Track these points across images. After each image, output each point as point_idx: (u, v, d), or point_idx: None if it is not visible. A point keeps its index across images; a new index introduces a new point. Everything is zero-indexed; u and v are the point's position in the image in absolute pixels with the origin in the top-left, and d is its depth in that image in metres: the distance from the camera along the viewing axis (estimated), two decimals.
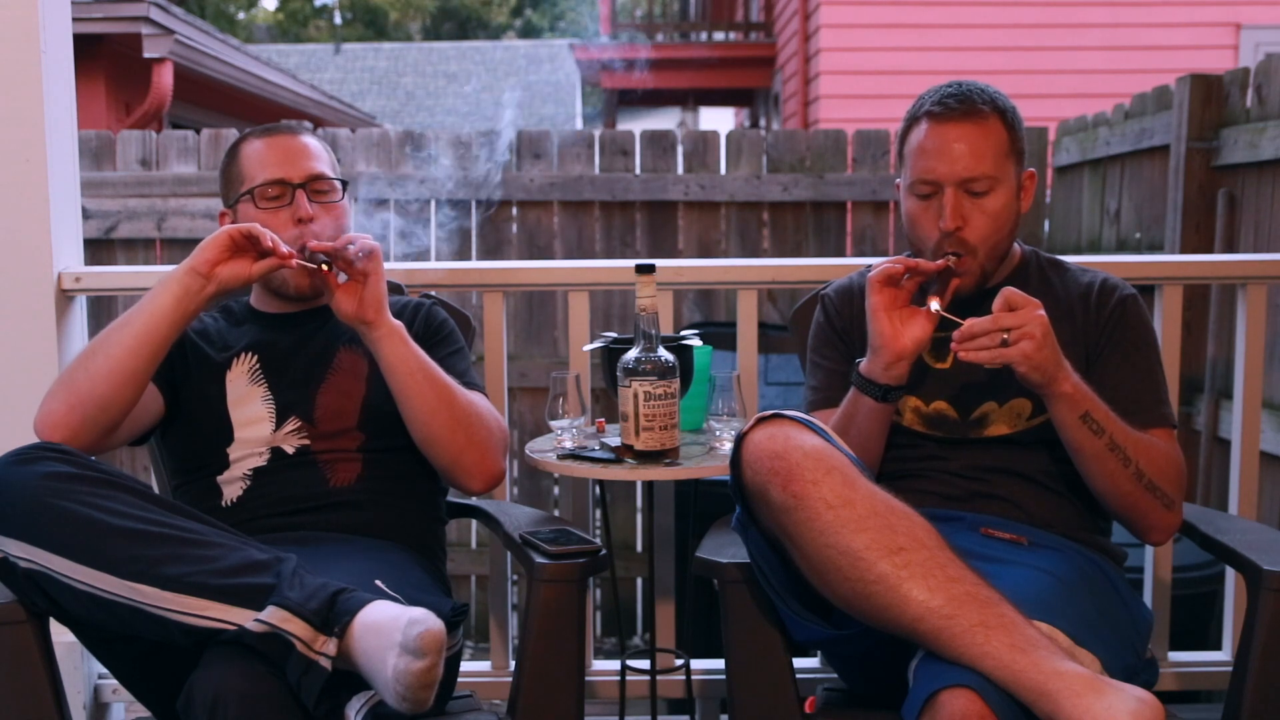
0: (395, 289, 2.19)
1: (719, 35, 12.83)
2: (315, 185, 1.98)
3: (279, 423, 1.91)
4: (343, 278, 1.84)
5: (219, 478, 1.91)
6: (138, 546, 1.50)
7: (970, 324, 1.66)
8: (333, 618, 1.47)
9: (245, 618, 1.46)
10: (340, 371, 1.96)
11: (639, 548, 4.25)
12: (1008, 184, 1.82)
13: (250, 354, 1.97)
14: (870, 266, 1.83)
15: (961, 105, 1.80)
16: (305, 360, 1.97)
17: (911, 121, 1.86)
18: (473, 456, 1.88)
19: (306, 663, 1.45)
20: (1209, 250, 3.71)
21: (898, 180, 1.91)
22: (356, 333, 1.94)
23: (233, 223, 1.96)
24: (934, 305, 1.75)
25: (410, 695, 1.42)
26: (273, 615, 1.45)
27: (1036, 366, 1.65)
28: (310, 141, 2.01)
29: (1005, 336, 1.63)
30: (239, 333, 2.02)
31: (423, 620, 1.44)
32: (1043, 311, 1.66)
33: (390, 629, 1.44)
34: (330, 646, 1.46)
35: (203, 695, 1.43)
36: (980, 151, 1.79)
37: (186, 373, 1.94)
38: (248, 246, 1.78)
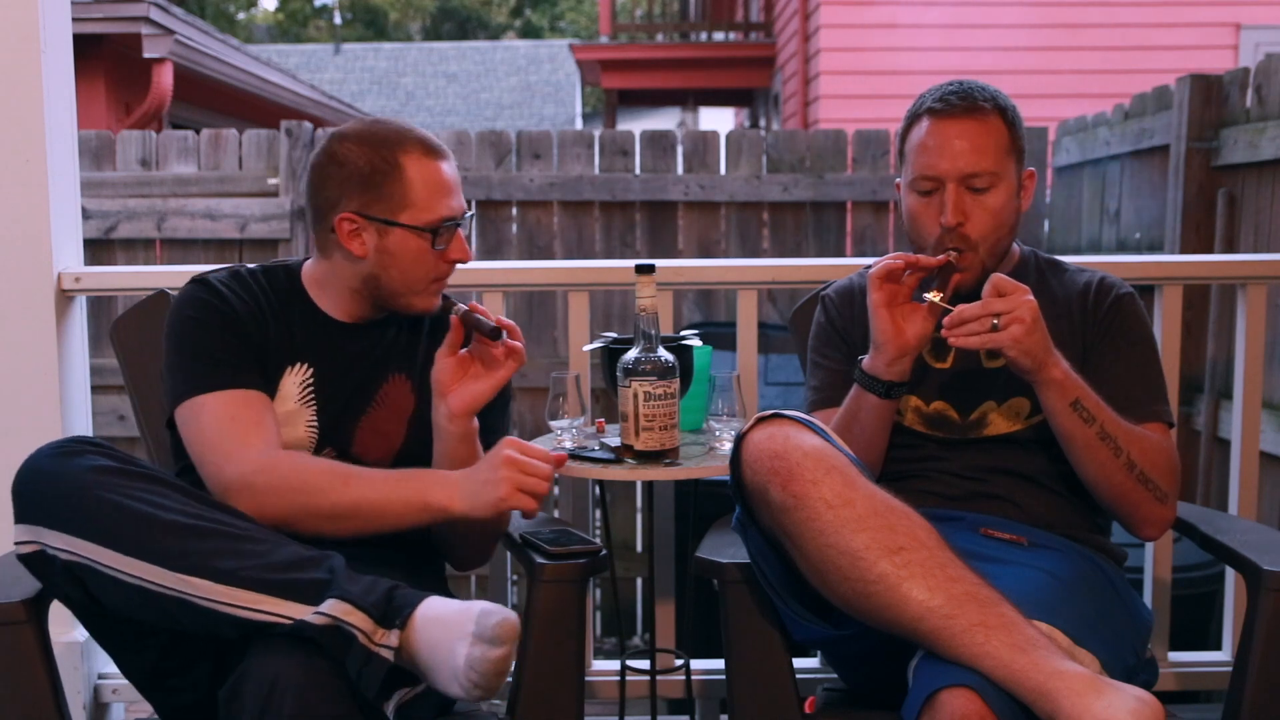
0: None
1: (719, 35, 12.83)
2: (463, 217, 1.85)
3: (317, 449, 1.82)
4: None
5: None
6: (190, 541, 1.49)
7: (960, 310, 1.66)
8: (392, 611, 1.48)
9: (301, 611, 1.46)
10: (384, 405, 1.84)
11: (639, 548, 4.25)
12: (1008, 181, 1.83)
13: (306, 365, 1.82)
14: (870, 266, 1.83)
15: (963, 102, 1.81)
16: (354, 381, 1.84)
17: (913, 119, 1.86)
18: (487, 554, 1.95)
19: (368, 655, 1.45)
20: (1209, 250, 3.71)
21: (898, 179, 1.92)
22: (407, 362, 1.87)
23: (354, 233, 1.77)
24: (934, 296, 1.75)
25: (484, 683, 1.45)
26: (335, 608, 1.46)
27: (1026, 351, 1.66)
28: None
29: (995, 321, 1.64)
30: (298, 336, 1.83)
31: (496, 611, 1.47)
32: (1031, 297, 1.67)
33: (459, 620, 1.47)
34: (393, 639, 1.47)
35: (257, 684, 1.43)
36: (981, 148, 1.80)
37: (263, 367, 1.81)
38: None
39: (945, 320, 1.68)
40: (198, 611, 1.49)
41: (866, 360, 1.81)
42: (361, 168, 1.76)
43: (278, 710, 1.42)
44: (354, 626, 1.46)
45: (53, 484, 1.52)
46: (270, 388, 1.78)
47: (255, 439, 1.70)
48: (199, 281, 1.81)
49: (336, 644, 1.46)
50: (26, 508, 1.53)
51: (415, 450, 1.83)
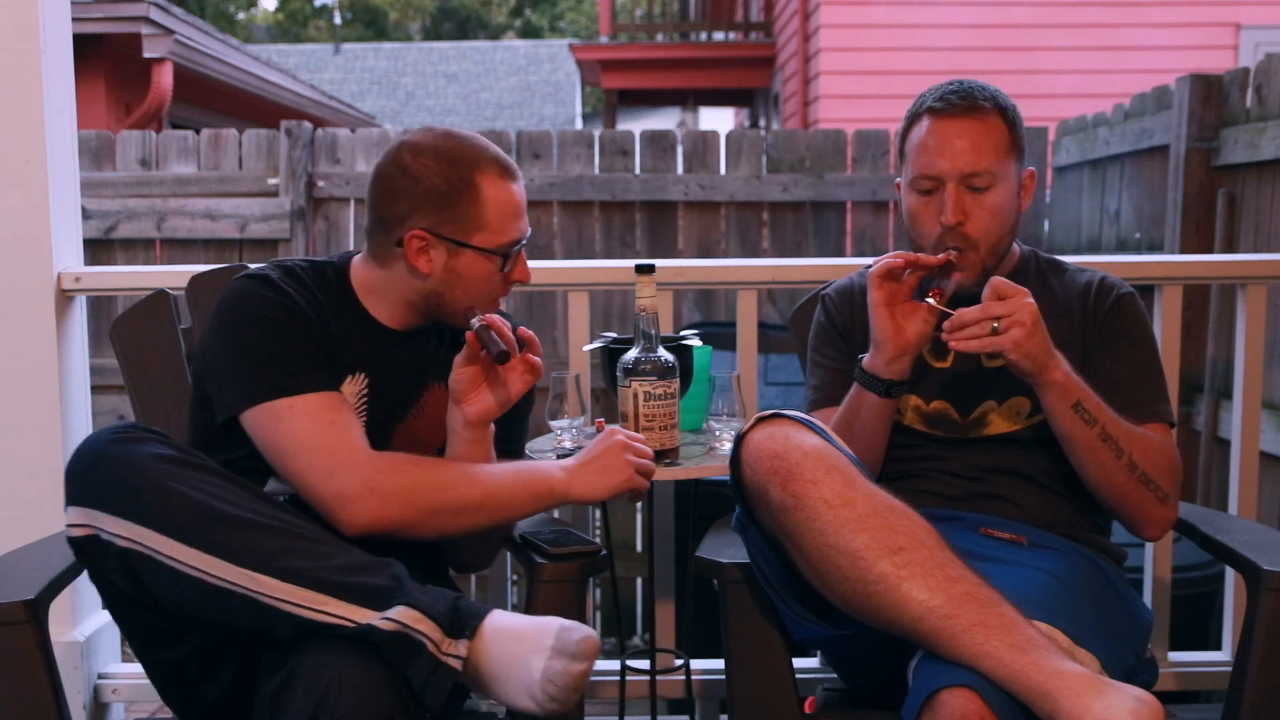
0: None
1: (719, 35, 12.84)
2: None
3: None
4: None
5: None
6: (256, 537, 1.48)
7: (960, 314, 1.67)
8: (459, 621, 1.48)
9: (366, 616, 1.45)
10: (423, 414, 1.83)
11: (639, 548, 4.25)
12: (1009, 181, 1.82)
13: (364, 375, 1.79)
14: (871, 265, 1.82)
15: (964, 101, 1.81)
16: (401, 386, 1.82)
17: (913, 118, 1.86)
18: (491, 557, 1.94)
19: (435, 664, 1.45)
20: (1209, 250, 3.71)
21: (898, 179, 1.92)
22: (447, 371, 1.80)
23: (423, 250, 1.73)
24: (931, 300, 1.75)
25: (562, 696, 1.46)
26: (404, 615, 1.45)
27: (1027, 354, 1.66)
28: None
29: (995, 325, 1.64)
30: (355, 344, 1.80)
31: (577, 627, 1.48)
32: (1031, 300, 1.67)
33: (535, 635, 1.47)
34: (462, 648, 1.47)
35: (311, 681, 1.43)
36: (982, 147, 1.80)
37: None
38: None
39: (945, 324, 1.68)
40: (258, 608, 1.47)
41: (866, 359, 1.81)
42: (438, 185, 1.72)
43: (333, 708, 1.41)
44: (423, 635, 1.45)
45: (115, 469, 1.49)
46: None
47: (357, 443, 1.67)
48: (258, 278, 1.74)
49: (403, 651, 1.45)
50: (85, 491, 1.49)
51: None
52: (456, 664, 1.46)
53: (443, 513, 1.66)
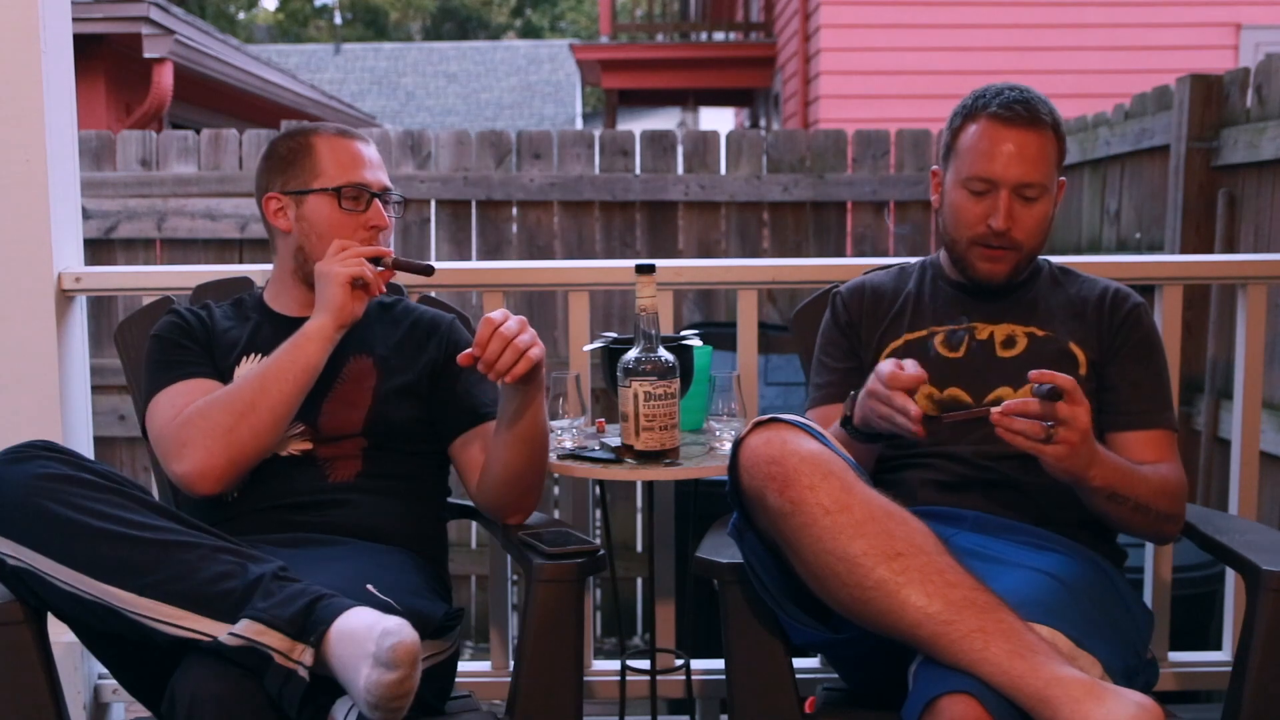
0: (395, 290, 2.17)
1: (719, 35, 12.83)
2: (386, 196, 1.99)
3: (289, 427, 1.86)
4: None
5: None
6: (118, 550, 1.50)
7: (1024, 404, 1.62)
8: (309, 626, 1.46)
9: (218, 629, 1.46)
10: (348, 381, 1.92)
11: (639, 548, 4.25)
12: (1053, 192, 1.91)
13: (258, 355, 1.93)
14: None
15: (1027, 112, 1.86)
16: None
17: (969, 117, 1.90)
18: (533, 499, 1.94)
19: (286, 673, 1.44)
20: (1209, 250, 3.70)
21: (935, 167, 1.97)
22: (363, 343, 1.93)
23: (279, 210, 1.95)
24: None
25: (383, 706, 1.40)
26: (247, 629, 1.45)
27: (1066, 470, 1.66)
28: (378, 154, 2.03)
29: (1051, 430, 1.61)
30: (248, 329, 1.98)
31: (396, 631, 1.41)
32: (1088, 414, 1.64)
33: (364, 638, 1.42)
34: (307, 656, 1.44)
35: (181, 699, 1.44)
36: (1038, 161, 1.86)
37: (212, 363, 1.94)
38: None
39: (1002, 407, 1.62)
40: (129, 622, 1.50)
41: (857, 415, 1.78)
42: (283, 154, 1.97)
43: None
44: (269, 646, 1.44)
45: (1, 490, 1.54)
46: (224, 378, 1.91)
47: (185, 425, 1.80)
48: (170, 311, 2.00)
49: (254, 663, 1.45)
50: None
51: (383, 411, 1.90)
52: (304, 673, 1.44)
53: (238, 419, 1.77)
